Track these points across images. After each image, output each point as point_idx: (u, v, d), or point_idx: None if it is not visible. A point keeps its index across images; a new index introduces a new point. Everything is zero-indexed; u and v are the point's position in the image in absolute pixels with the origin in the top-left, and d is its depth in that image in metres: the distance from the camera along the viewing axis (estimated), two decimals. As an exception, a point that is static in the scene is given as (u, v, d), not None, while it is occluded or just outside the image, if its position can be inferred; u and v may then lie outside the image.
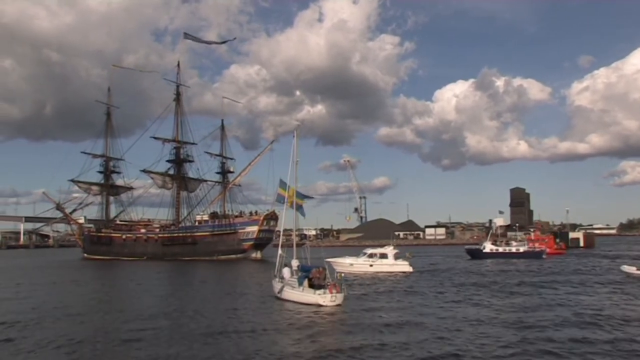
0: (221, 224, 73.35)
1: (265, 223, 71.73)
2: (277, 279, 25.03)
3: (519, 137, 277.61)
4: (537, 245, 64.30)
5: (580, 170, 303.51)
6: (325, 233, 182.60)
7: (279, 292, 23.87)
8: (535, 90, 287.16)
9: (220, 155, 77.87)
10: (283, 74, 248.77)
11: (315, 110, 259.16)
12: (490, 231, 78.25)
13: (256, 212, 74.12)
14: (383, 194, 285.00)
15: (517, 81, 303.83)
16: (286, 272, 24.73)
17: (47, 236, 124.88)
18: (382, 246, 45.45)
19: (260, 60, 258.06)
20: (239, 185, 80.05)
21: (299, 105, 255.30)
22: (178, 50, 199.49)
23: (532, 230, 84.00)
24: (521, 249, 60.48)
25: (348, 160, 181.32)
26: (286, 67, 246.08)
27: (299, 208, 51.21)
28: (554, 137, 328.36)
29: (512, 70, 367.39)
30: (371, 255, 41.11)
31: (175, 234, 74.58)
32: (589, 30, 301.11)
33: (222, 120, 79.20)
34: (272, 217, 72.43)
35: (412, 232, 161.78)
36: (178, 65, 78.71)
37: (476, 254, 61.87)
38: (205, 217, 75.50)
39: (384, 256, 40.70)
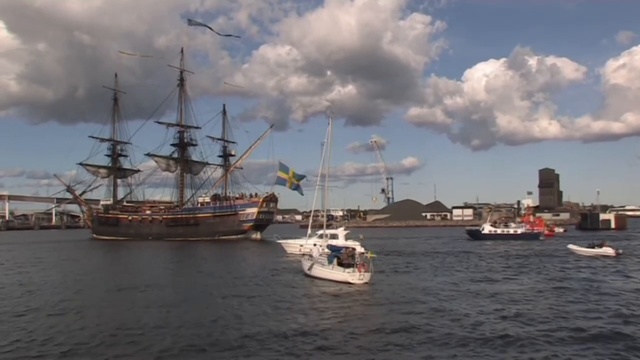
0: (222, 205, 74.45)
1: (264, 205, 72.48)
2: (306, 257, 26.71)
3: (551, 117, 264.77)
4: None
5: (614, 150, 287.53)
6: (352, 214, 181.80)
7: (308, 270, 25.41)
8: (569, 69, 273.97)
9: (222, 139, 78.73)
10: (314, 54, 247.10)
11: (346, 91, 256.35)
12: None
13: (256, 194, 74.63)
14: (411, 174, 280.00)
15: (551, 60, 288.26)
16: (315, 251, 26.67)
17: (78, 217, 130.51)
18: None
19: (291, 41, 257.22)
20: (241, 168, 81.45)
21: (330, 86, 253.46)
22: (208, 32, 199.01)
23: (523, 212, 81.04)
24: (519, 231, 61.54)
25: (375, 141, 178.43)
26: (317, 47, 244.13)
27: (297, 187, 51.07)
28: (587, 116, 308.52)
29: (546, 49, 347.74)
30: (322, 236, 40.97)
31: (179, 216, 76.27)
32: (628, 5, 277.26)
33: (224, 105, 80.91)
34: (272, 199, 72.96)
35: (439, 213, 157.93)
36: (182, 51, 79.42)
37: (475, 235, 63.18)
38: (207, 199, 76.76)
39: (334, 237, 40.79)
